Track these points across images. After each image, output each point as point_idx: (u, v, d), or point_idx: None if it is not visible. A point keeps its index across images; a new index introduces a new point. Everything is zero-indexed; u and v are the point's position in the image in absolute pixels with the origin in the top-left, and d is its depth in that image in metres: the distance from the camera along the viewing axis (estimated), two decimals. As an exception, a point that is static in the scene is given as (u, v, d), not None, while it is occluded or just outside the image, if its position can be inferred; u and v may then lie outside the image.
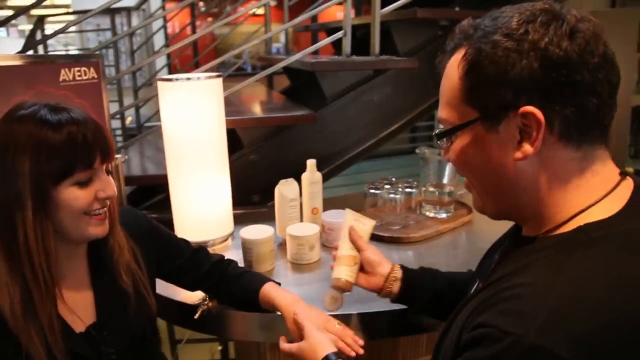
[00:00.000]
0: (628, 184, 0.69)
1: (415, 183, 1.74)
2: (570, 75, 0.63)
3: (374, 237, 1.60)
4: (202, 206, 1.52)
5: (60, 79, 1.48)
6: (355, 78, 2.28)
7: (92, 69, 1.59)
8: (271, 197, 2.17)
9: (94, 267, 1.04)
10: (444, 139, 0.76)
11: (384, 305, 1.17)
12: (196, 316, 1.19)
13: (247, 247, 1.37)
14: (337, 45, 2.58)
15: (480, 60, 0.67)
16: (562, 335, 0.55)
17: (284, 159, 2.23)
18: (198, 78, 1.48)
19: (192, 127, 1.47)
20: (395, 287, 1.09)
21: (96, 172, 0.93)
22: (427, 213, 1.76)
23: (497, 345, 0.58)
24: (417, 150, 1.80)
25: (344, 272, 1.09)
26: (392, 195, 1.68)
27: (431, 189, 1.76)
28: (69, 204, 0.90)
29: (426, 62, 2.26)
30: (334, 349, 0.94)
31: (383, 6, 2.02)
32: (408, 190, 1.73)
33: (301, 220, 1.60)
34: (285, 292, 1.14)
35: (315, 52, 2.50)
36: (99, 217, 0.94)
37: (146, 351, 1.13)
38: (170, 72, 5.12)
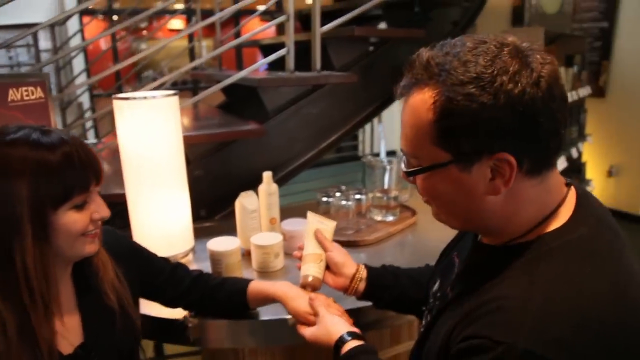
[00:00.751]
0: (572, 193, 0.80)
1: (364, 190, 1.86)
2: (537, 121, 0.68)
3: (332, 242, 1.70)
4: (163, 222, 1.54)
5: (9, 99, 1.45)
6: (295, 92, 2.37)
7: (39, 89, 1.56)
8: (217, 211, 2.22)
9: (79, 287, 1.04)
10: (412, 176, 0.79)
11: (351, 303, 1.25)
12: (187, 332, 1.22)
13: (216, 259, 1.41)
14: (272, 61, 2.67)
15: (455, 109, 0.68)
16: (548, 340, 0.64)
17: (228, 174, 2.27)
18: (154, 97, 1.50)
19: (151, 145, 1.49)
20: (361, 286, 1.16)
21: (91, 194, 0.94)
22: (375, 217, 1.88)
23: (491, 354, 0.65)
24: (363, 159, 1.92)
25: (312, 269, 1.16)
26: (343, 202, 1.78)
27: (378, 194, 1.88)
28: (67, 228, 0.91)
29: (360, 76, 2.40)
30: (348, 329, 0.97)
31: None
32: (357, 196, 1.84)
33: (260, 231, 1.66)
34: (273, 282, 1.19)
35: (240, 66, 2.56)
36: (93, 235, 0.96)
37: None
38: (91, 92, 4.96)
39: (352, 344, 0.93)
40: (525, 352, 0.63)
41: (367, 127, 4.75)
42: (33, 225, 0.87)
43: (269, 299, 1.17)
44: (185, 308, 1.26)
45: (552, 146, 0.72)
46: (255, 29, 2.37)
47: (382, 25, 3.03)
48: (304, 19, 3.20)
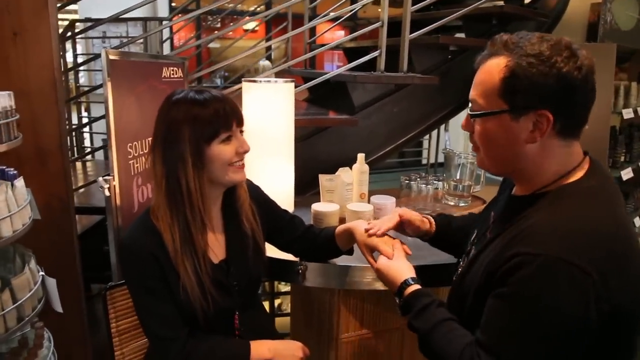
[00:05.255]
0: (587, 160, 1.03)
1: (442, 177, 2.10)
2: (574, 94, 0.92)
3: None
4: (274, 187, 1.82)
5: (162, 75, 1.78)
6: (380, 91, 2.64)
7: (179, 70, 1.89)
8: (304, 190, 2.50)
9: (226, 213, 1.34)
10: (475, 119, 1.01)
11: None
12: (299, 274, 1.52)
13: (318, 218, 1.69)
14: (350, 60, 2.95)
15: (519, 72, 0.92)
16: (573, 250, 0.85)
17: (313, 160, 2.55)
18: (276, 81, 1.80)
19: (270, 121, 1.79)
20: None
21: (234, 132, 1.23)
22: (449, 202, 2.12)
23: (534, 264, 0.85)
24: (442, 151, 2.16)
25: None
26: (423, 187, 2.03)
27: (453, 183, 2.12)
28: (218, 157, 1.20)
29: (438, 80, 2.64)
30: (413, 275, 1.19)
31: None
32: (435, 182, 2.08)
33: (352, 202, 1.92)
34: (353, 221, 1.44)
35: (313, 67, 2.85)
36: (239, 166, 1.25)
37: (255, 292, 1.43)
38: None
39: (414, 287, 1.15)
40: (557, 259, 0.84)
41: (433, 134, 4.94)
42: (193, 156, 1.17)
43: (348, 235, 1.39)
44: (295, 253, 1.54)
45: (580, 118, 0.95)
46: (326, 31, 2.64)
47: (460, 36, 3.26)
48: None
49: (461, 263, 1.21)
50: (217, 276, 1.27)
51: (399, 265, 1.21)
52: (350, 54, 3.40)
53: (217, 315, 1.26)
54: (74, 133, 3.27)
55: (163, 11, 6.02)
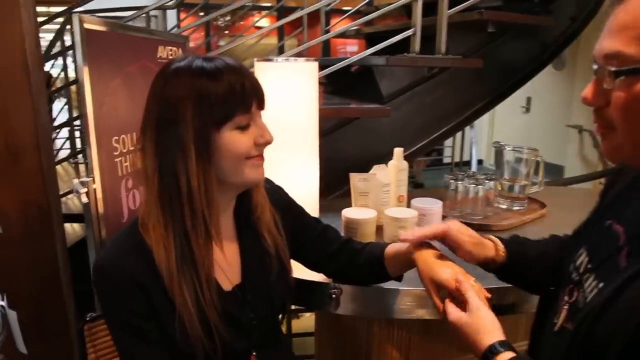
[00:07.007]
0: None
1: (494, 176, 1.76)
2: None
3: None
4: (293, 188, 1.50)
5: (158, 55, 1.47)
6: (411, 79, 2.31)
7: (180, 50, 1.58)
8: (327, 191, 2.17)
9: (239, 224, 1.02)
10: (622, 77, 0.68)
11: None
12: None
13: (351, 227, 1.36)
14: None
15: None
16: None
17: (339, 156, 2.23)
18: (296, 59, 1.48)
19: (289, 109, 1.46)
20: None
21: (253, 116, 0.91)
22: (502, 205, 1.78)
23: None
24: (493, 145, 1.82)
25: None
26: (472, 187, 1.69)
27: (507, 183, 1.78)
28: (230, 148, 0.88)
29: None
30: (502, 337, 0.84)
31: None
32: (487, 182, 1.74)
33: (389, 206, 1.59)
34: None
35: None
36: (258, 159, 0.93)
37: (278, 326, 1.11)
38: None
39: (505, 356, 0.81)
40: None
41: (458, 133, 4.59)
42: (196, 145, 0.85)
43: (406, 261, 1.05)
44: (328, 273, 1.21)
45: None
46: (342, 26, 2.33)
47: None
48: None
49: (564, 302, 0.84)
50: (227, 307, 0.94)
51: (482, 321, 0.86)
52: (373, 40, 3.07)
53: (226, 359, 0.94)
54: (59, 130, 2.96)
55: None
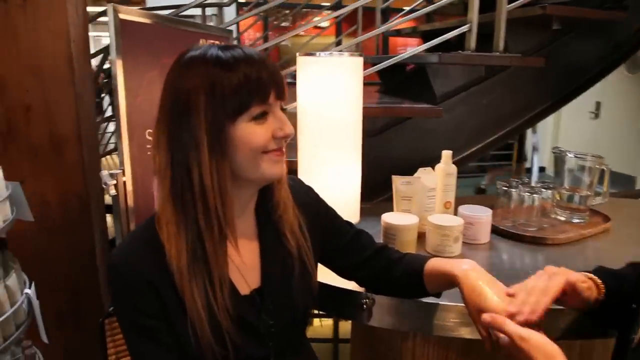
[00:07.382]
0: None
1: (552, 184, 1.62)
2: None
3: (513, 237, 1.49)
4: (333, 191, 1.43)
5: (199, 49, 1.44)
6: (466, 79, 2.18)
7: (223, 43, 1.55)
8: (370, 195, 2.08)
9: (261, 223, 0.96)
10: None
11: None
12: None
13: (390, 233, 1.27)
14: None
15: None
16: None
17: (386, 158, 2.14)
18: (340, 54, 1.41)
19: (332, 106, 1.40)
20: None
21: (271, 107, 0.85)
22: (560, 217, 1.63)
23: None
24: (553, 151, 1.68)
25: None
26: (526, 196, 1.56)
27: (567, 193, 1.63)
28: (246, 141, 0.82)
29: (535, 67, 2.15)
30: None
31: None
32: (543, 191, 1.60)
33: (435, 212, 1.49)
34: (457, 260, 0.98)
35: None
36: (277, 154, 0.86)
37: (301, 333, 1.04)
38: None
39: None
40: None
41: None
42: (209, 137, 0.80)
43: (446, 280, 0.95)
44: (360, 282, 1.13)
45: None
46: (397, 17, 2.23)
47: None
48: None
49: None
50: (243, 313, 0.89)
51: (544, 342, 0.76)
52: (430, 39, 2.96)
53: None
54: (107, 124, 3.02)
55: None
